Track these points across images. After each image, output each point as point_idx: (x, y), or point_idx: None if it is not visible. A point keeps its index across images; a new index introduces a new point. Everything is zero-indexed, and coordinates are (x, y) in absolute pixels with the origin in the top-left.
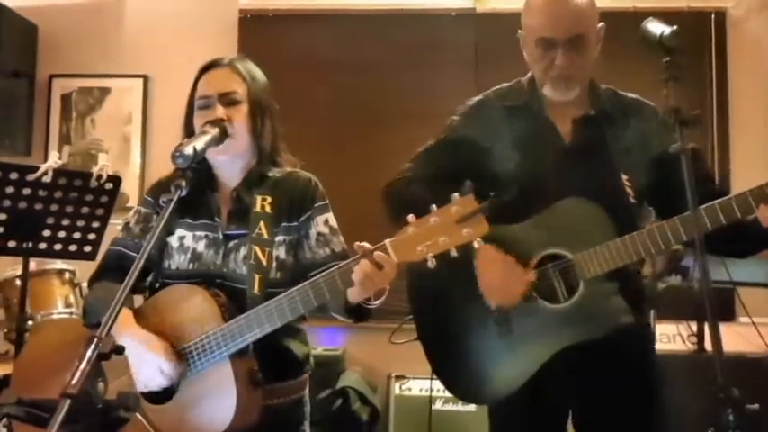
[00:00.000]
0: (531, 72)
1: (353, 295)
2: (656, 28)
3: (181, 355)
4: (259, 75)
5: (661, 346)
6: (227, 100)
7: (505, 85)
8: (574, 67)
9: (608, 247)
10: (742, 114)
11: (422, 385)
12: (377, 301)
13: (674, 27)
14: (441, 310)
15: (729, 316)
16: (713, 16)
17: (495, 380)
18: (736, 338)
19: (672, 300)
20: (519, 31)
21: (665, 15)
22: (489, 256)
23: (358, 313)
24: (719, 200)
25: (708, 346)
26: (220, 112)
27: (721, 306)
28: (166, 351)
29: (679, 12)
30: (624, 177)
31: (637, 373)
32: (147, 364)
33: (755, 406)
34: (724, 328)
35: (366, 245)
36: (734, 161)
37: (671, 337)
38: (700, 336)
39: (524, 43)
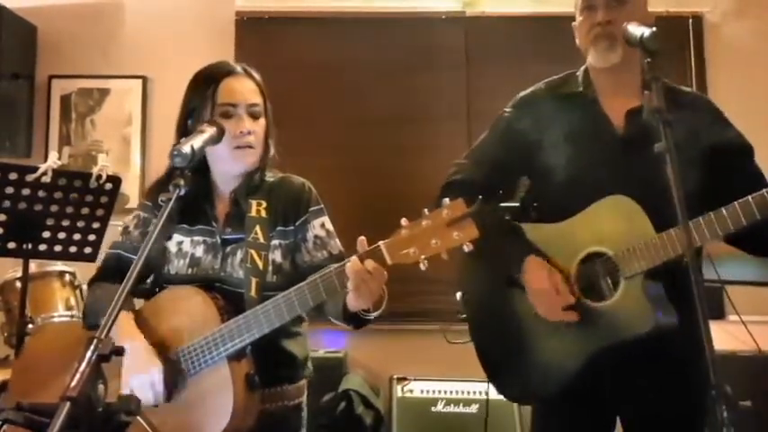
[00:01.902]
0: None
1: (352, 303)
2: (637, 30)
3: (178, 369)
4: None
5: None
6: (252, 112)
7: (556, 77)
8: (616, 24)
9: (647, 244)
10: None
11: (423, 387)
12: (375, 313)
13: (654, 29)
14: (490, 314)
15: (719, 315)
16: (691, 21)
17: (541, 379)
18: (726, 337)
19: None
20: (573, 23)
21: None
22: (536, 268)
23: (356, 320)
24: (727, 206)
25: None
26: (250, 123)
27: (711, 305)
28: (162, 370)
29: (658, 16)
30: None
31: (684, 379)
32: (142, 376)
33: (748, 403)
34: (714, 326)
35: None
36: None
37: None
38: None
39: (576, 27)
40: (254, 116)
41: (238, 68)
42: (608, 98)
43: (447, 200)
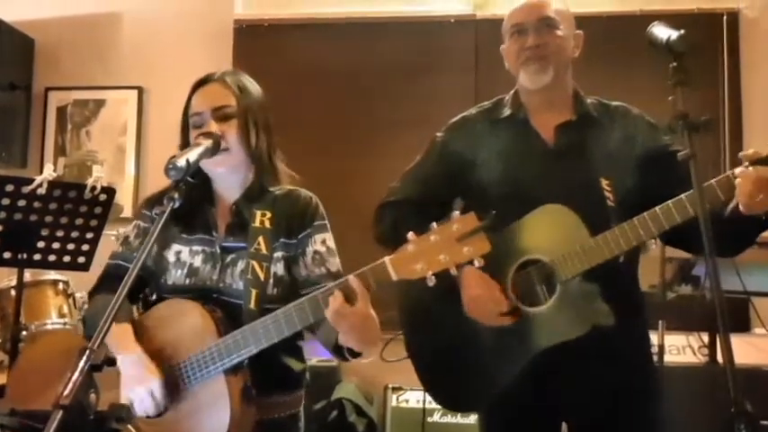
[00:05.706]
0: (516, 86)
1: (343, 338)
2: (663, 32)
3: (175, 381)
4: (251, 87)
5: (670, 357)
6: (220, 114)
7: (487, 103)
8: (545, 47)
9: (582, 247)
10: (755, 117)
11: (419, 397)
12: (361, 357)
13: (681, 31)
14: (427, 324)
15: (743, 327)
16: (725, 17)
17: (480, 386)
18: (751, 351)
19: (681, 310)
20: (502, 46)
21: (675, 18)
22: (471, 275)
23: (341, 355)
24: (660, 205)
25: (720, 358)
26: (213, 127)
27: (735, 317)
28: (161, 381)
29: (689, 14)
30: (605, 182)
31: (626, 380)
32: (141, 386)
33: None
34: (737, 339)
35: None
36: None
37: (680, 348)
38: (711, 347)
39: (505, 51)
40: (222, 118)
41: (215, 76)
42: (538, 115)
43: (457, 213)
